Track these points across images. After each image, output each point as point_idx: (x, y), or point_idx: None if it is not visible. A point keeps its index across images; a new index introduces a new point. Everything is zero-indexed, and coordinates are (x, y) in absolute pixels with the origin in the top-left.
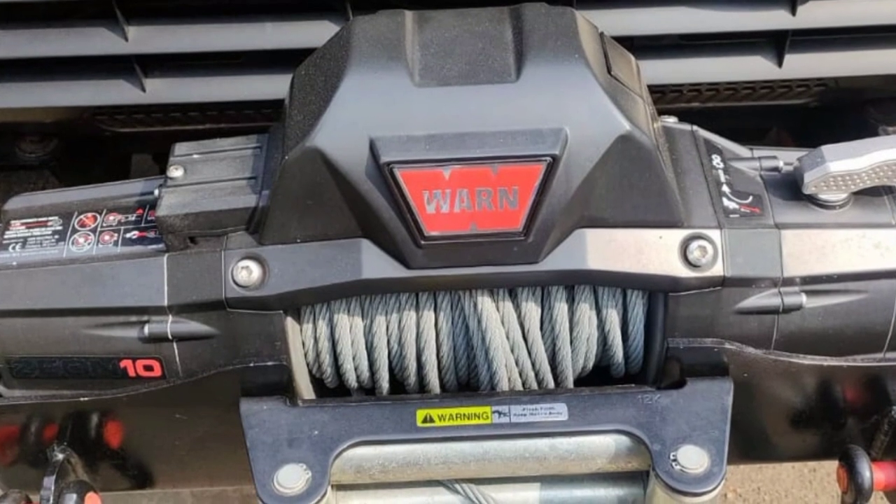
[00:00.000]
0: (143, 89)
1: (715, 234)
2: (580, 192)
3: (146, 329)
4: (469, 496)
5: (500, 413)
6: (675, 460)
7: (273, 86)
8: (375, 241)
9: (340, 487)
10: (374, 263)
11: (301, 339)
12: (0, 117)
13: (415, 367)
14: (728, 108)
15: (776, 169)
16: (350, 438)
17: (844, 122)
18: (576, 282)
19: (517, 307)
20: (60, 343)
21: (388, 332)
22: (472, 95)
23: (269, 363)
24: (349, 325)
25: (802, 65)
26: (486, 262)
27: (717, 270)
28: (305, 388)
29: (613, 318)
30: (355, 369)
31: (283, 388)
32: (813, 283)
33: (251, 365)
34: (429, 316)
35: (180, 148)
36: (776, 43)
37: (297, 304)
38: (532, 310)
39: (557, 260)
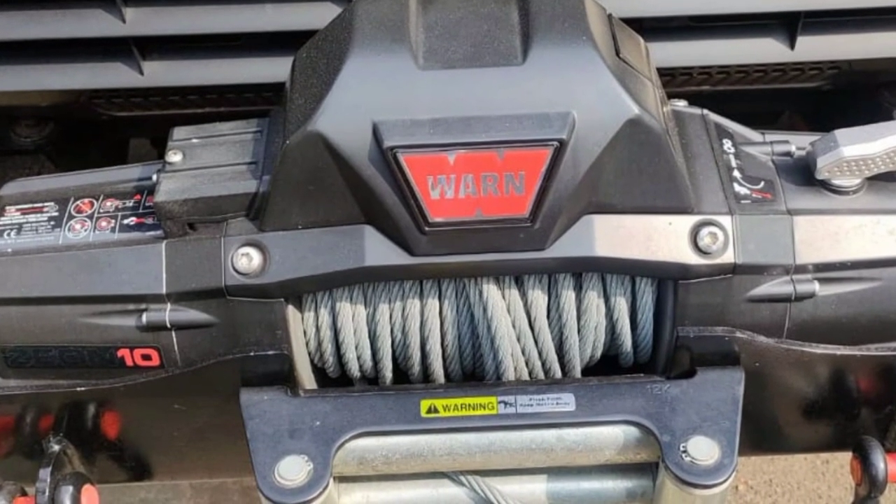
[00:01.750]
0: (141, 72)
1: (726, 221)
2: (588, 177)
3: (144, 317)
4: (474, 488)
5: (505, 403)
6: (684, 451)
7: (274, 69)
8: (379, 227)
9: (343, 479)
10: (378, 250)
11: (302, 328)
12: None
13: (419, 356)
14: (739, 91)
15: (788, 154)
16: (353, 429)
17: (858, 105)
18: (583, 269)
19: (523, 295)
20: (56, 332)
21: (392, 320)
22: (477, 78)
23: (270, 352)
24: (352, 314)
25: (815, 47)
26: (492, 249)
27: (728, 257)
28: (307, 378)
29: (622, 306)
30: (358, 358)
31: (284, 377)
32: (826, 271)
33: (251, 354)
34: (433, 304)
35: (179, 132)
36: (788, 25)
37: (298, 291)
38: (539, 298)
39: (565, 247)
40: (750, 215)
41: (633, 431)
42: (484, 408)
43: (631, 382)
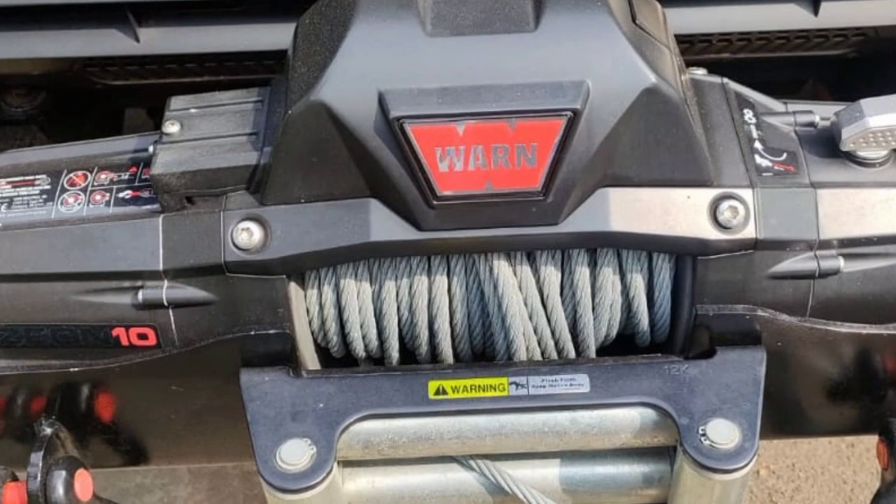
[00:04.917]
0: (137, 39)
1: (747, 194)
2: (603, 148)
3: (140, 295)
4: (484, 473)
5: (517, 385)
6: (703, 435)
7: (275, 35)
8: (385, 201)
9: (347, 464)
10: (384, 225)
11: (305, 306)
12: None
13: (426, 335)
14: (761, 59)
15: (812, 124)
16: (358, 411)
17: (885, 74)
18: (598, 244)
19: (536, 272)
20: (49, 310)
21: (399, 298)
22: (487, 46)
23: (272, 331)
24: (357, 291)
25: (840, 13)
26: (503, 224)
27: (749, 232)
28: (310, 358)
29: (638, 282)
30: (363, 338)
31: (286, 357)
32: (851, 246)
33: (252, 333)
34: (441, 281)
35: (176, 102)
36: None
37: (301, 268)
38: (552, 274)
39: (579, 221)
40: (772, 188)
41: (649, 414)
42: (494, 389)
43: (648, 363)
